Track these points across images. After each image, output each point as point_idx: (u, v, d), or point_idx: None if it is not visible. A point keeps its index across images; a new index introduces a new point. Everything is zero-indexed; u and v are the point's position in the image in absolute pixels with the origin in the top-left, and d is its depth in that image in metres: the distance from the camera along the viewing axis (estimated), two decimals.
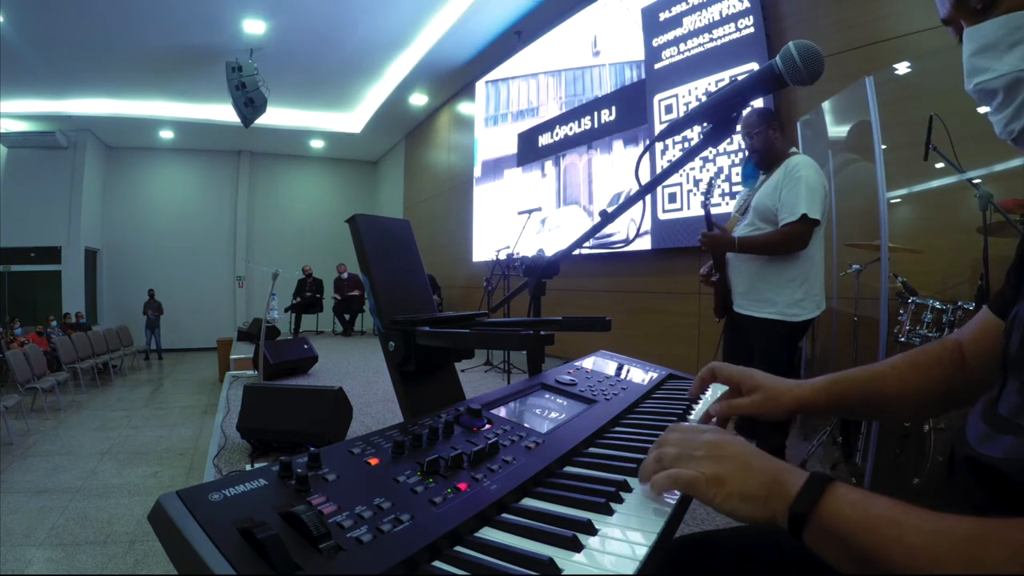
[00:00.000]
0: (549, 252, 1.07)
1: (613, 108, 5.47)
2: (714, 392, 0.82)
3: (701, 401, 0.83)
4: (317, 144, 13.27)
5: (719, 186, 4.15)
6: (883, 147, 2.38)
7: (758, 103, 2.56)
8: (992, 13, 0.55)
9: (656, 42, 4.89)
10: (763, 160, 2.41)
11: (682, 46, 4.64)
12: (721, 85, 3.32)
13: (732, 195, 4.07)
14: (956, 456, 0.63)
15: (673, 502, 0.56)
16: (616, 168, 5.40)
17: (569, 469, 0.65)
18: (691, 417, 0.81)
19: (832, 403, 0.77)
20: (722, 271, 2.52)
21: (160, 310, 12.44)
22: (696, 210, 4.38)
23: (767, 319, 2.32)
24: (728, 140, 3.49)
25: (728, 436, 0.57)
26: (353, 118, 11.46)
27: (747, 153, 2.49)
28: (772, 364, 2.33)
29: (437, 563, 0.43)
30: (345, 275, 10.11)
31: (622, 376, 1.08)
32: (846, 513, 0.46)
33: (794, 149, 2.42)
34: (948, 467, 0.66)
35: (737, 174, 4.06)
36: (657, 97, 4.89)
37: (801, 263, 2.27)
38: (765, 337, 2.35)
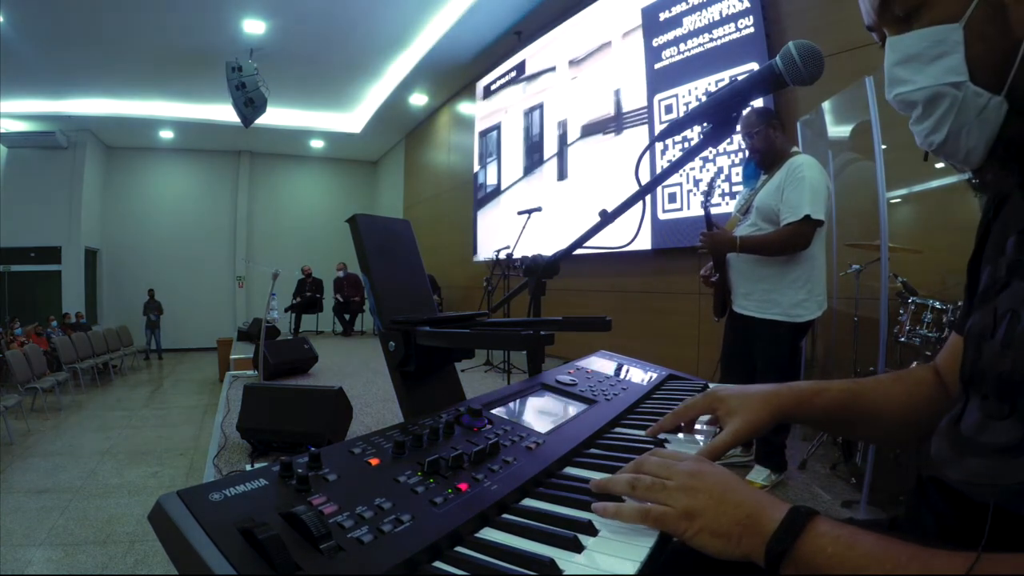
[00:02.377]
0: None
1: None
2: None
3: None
4: (317, 144, 13.27)
5: (719, 186, 4.15)
6: (883, 147, 2.37)
7: (758, 103, 2.56)
8: (915, 24, 0.54)
9: (656, 42, 4.89)
10: (764, 160, 2.40)
11: (682, 46, 4.64)
12: (721, 85, 3.32)
13: (732, 195, 4.07)
14: (922, 476, 0.63)
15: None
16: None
17: (570, 470, 0.65)
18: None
19: (814, 414, 0.74)
20: (722, 271, 2.52)
21: (160, 310, 12.45)
22: (696, 210, 4.38)
23: (770, 320, 2.32)
24: (728, 140, 3.49)
25: (707, 466, 0.55)
26: (353, 118, 11.46)
27: (748, 153, 2.49)
28: (774, 365, 2.34)
29: (438, 563, 0.43)
30: (343, 273, 10.12)
31: (622, 376, 1.07)
32: (828, 551, 0.44)
33: (796, 149, 2.41)
34: (916, 487, 0.65)
35: (737, 174, 4.06)
36: (657, 97, 4.89)
37: (804, 263, 2.27)
38: (768, 338, 2.35)
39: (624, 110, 5.33)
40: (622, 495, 0.55)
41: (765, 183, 2.38)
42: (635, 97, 5.14)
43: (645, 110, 5.02)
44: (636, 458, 0.60)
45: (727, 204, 4.04)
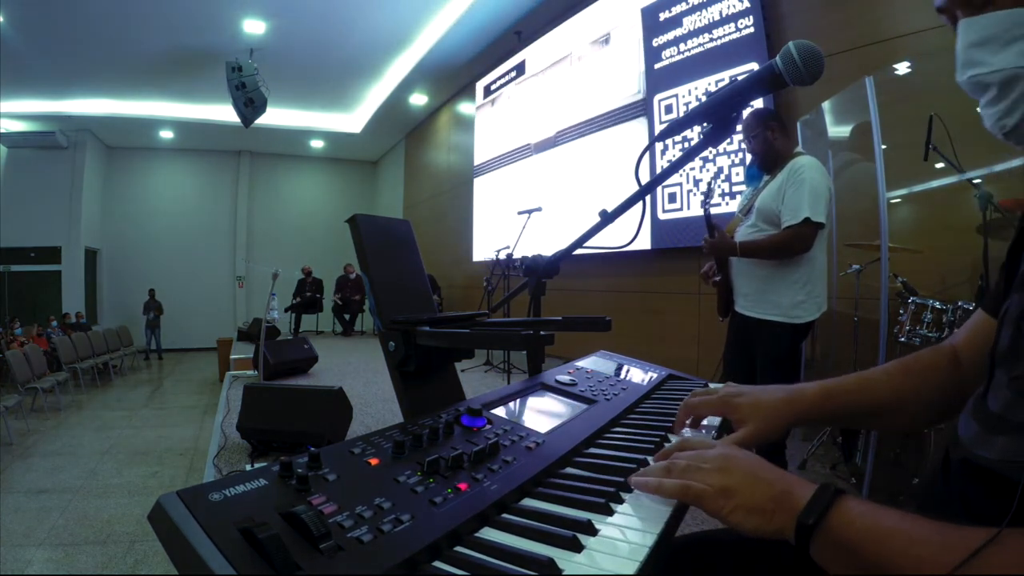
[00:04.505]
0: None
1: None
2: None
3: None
4: (317, 144, 13.27)
5: (718, 187, 4.15)
6: (883, 147, 2.38)
7: (757, 103, 2.54)
8: (991, 6, 0.54)
9: (656, 42, 4.89)
10: (764, 162, 2.40)
11: (682, 46, 4.64)
12: (721, 85, 3.32)
13: (732, 195, 4.07)
14: (951, 458, 0.63)
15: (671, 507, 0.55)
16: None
17: (569, 469, 0.65)
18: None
19: (826, 417, 0.75)
20: (724, 272, 2.52)
21: (160, 310, 12.44)
22: (696, 210, 4.38)
23: (771, 321, 2.32)
24: (728, 140, 3.49)
25: (738, 450, 0.57)
26: (353, 118, 11.46)
27: (750, 155, 2.49)
28: (775, 366, 2.32)
29: (437, 563, 0.43)
30: (353, 275, 10.09)
31: (622, 376, 1.07)
32: (855, 524, 0.46)
33: (799, 150, 2.40)
34: (943, 468, 0.66)
35: (738, 174, 4.06)
36: (657, 97, 4.89)
37: (805, 265, 2.27)
38: (767, 338, 2.35)
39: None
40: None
41: (767, 184, 2.38)
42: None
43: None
44: (664, 448, 0.63)
45: (727, 204, 4.04)
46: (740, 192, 2.73)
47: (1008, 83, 0.53)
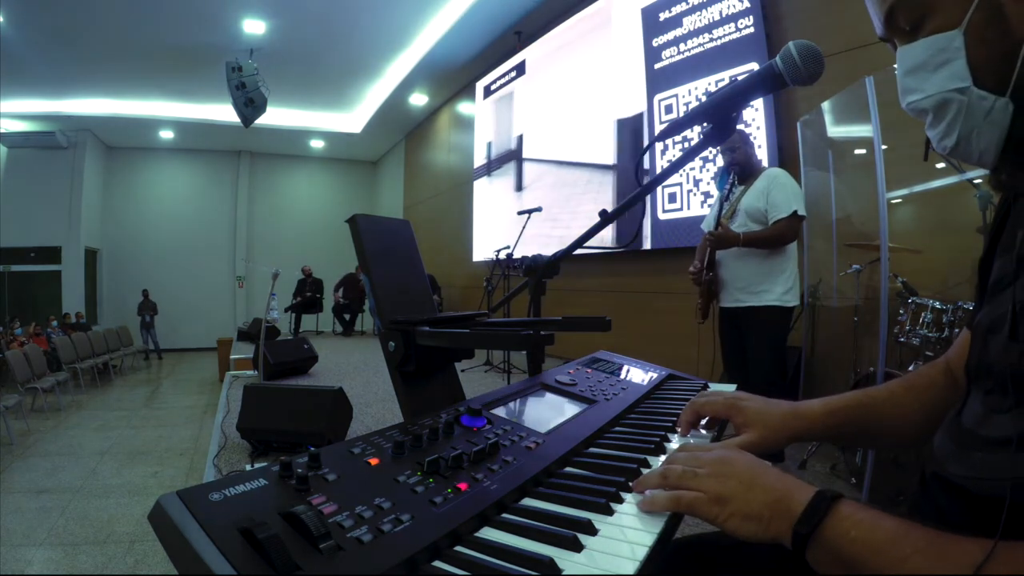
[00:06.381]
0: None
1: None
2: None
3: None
4: (317, 144, 13.27)
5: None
6: (884, 147, 2.38)
7: (757, 104, 2.67)
8: (920, 33, 0.56)
9: (656, 42, 4.89)
10: (742, 172, 2.74)
11: (682, 46, 4.64)
12: (721, 85, 3.33)
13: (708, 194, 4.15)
14: (925, 472, 0.64)
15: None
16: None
17: (569, 469, 0.65)
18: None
19: (830, 433, 0.75)
20: (715, 270, 2.78)
21: (155, 310, 12.41)
22: (696, 210, 4.38)
23: (767, 307, 2.61)
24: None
25: (736, 453, 0.56)
26: (353, 118, 11.46)
27: (727, 166, 2.82)
28: (768, 346, 2.65)
29: (437, 563, 0.43)
30: (363, 276, 10.05)
31: (622, 376, 1.07)
32: (851, 534, 0.45)
33: (764, 163, 2.69)
34: (920, 483, 0.66)
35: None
36: (657, 97, 4.89)
37: (788, 258, 2.63)
38: (764, 323, 2.61)
39: None
40: (656, 487, 0.56)
41: (744, 192, 2.69)
42: None
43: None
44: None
45: (689, 208, 4.08)
46: (715, 199, 2.96)
47: (940, 107, 0.55)
